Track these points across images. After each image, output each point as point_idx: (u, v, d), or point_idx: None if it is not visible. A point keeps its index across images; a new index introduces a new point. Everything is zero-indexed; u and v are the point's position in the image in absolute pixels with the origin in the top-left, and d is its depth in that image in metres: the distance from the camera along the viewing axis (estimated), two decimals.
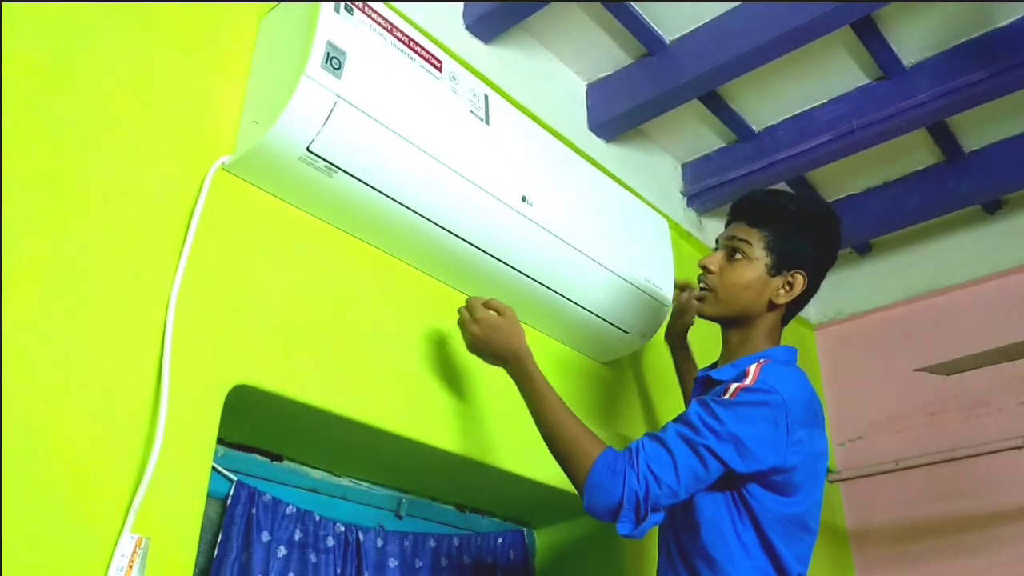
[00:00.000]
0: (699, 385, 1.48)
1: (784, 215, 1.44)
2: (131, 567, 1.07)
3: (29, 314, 1.07)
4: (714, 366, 1.49)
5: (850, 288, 2.92)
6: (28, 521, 1.01)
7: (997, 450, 2.42)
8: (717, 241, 1.50)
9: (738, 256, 1.43)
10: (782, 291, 1.42)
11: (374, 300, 1.53)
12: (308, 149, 1.32)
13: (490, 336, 1.43)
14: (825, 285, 3.03)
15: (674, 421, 1.28)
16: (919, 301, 2.80)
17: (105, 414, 1.11)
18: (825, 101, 2.26)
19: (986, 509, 2.49)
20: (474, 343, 1.45)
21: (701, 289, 1.47)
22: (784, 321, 1.48)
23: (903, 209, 2.56)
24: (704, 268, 1.46)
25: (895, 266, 2.84)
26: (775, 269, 1.42)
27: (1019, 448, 2.41)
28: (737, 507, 1.28)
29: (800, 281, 1.42)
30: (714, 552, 1.27)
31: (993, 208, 2.64)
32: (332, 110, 1.31)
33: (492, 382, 1.71)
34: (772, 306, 1.43)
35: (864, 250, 2.87)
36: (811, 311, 3.01)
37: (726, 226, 1.50)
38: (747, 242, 1.43)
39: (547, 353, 1.86)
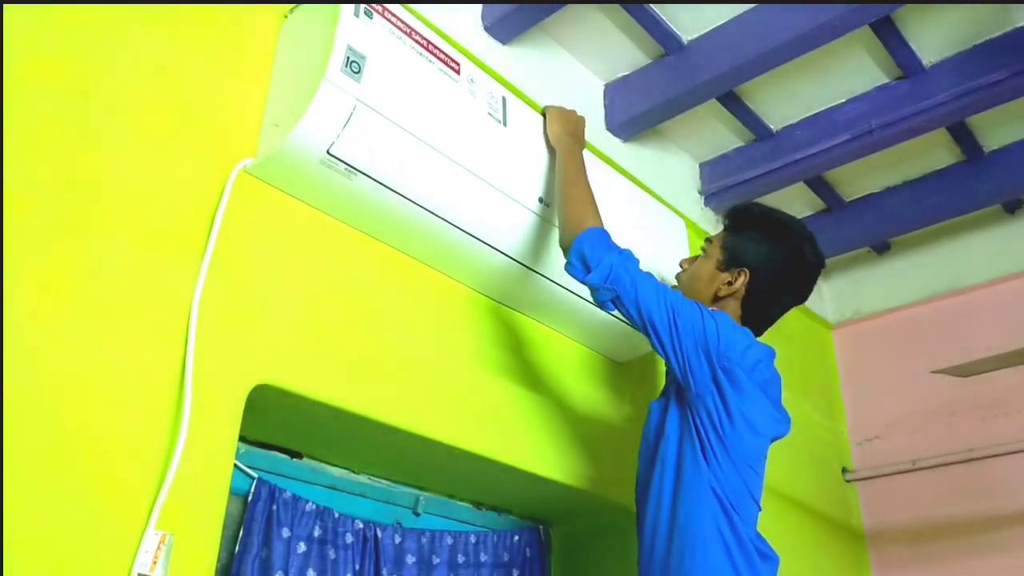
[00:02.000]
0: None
1: (746, 219, 1.64)
2: (155, 563, 1.09)
3: (55, 315, 1.10)
4: None
5: (868, 287, 2.91)
6: (54, 518, 1.03)
7: (1015, 451, 2.41)
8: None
9: (701, 253, 1.64)
10: (724, 285, 1.57)
11: (393, 301, 1.55)
12: (328, 152, 1.34)
13: (580, 124, 1.73)
14: (843, 284, 3.05)
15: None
16: (938, 301, 2.79)
17: (129, 413, 1.14)
18: (844, 101, 2.25)
19: (1003, 510, 2.48)
20: (570, 123, 1.71)
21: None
22: (746, 320, 1.56)
23: (922, 208, 2.55)
24: (680, 265, 1.69)
25: (914, 265, 2.82)
26: (724, 265, 1.59)
27: None
28: None
29: (741, 278, 1.56)
30: None
31: (1013, 207, 2.62)
32: (352, 114, 1.33)
33: (509, 382, 1.72)
34: (716, 298, 1.58)
35: (883, 249, 2.86)
36: (828, 310, 3.00)
37: None
38: (711, 242, 1.64)
39: (565, 352, 1.88)
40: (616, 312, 1.46)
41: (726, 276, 1.57)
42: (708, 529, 1.33)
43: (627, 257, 1.43)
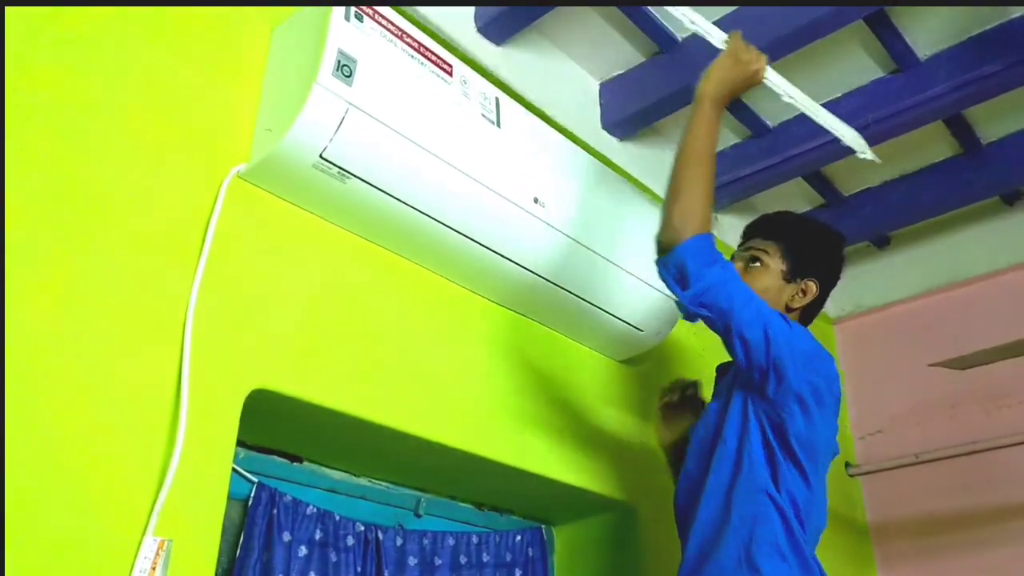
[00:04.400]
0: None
1: (797, 228, 1.58)
2: (154, 569, 1.09)
3: (51, 321, 1.10)
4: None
5: (868, 281, 2.91)
6: (52, 524, 1.04)
7: (1018, 443, 2.40)
8: (732, 257, 1.54)
9: (757, 264, 1.53)
10: (797, 296, 1.52)
11: (391, 303, 1.55)
12: (321, 156, 1.34)
13: (748, 68, 1.48)
14: (844, 279, 3.04)
15: None
16: (938, 294, 2.78)
17: (126, 419, 1.14)
18: (840, 95, 2.25)
19: (1007, 502, 2.48)
20: (737, 65, 1.47)
21: None
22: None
23: (921, 202, 2.54)
24: None
25: (913, 259, 2.82)
26: (790, 275, 1.52)
27: None
28: None
29: (813, 288, 1.52)
30: None
31: (1012, 199, 2.62)
32: (344, 117, 1.33)
33: (508, 382, 1.73)
34: (788, 310, 1.51)
35: (882, 243, 2.85)
36: (829, 305, 2.98)
37: (739, 247, 1.60)
38: (765, 251, 1.53)
39: (564, 352, 1.88)
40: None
41: (794, 287, 1.52)
42: (764, 532, 1.30)
43: (726, 271, 1.36)
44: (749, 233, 1.61)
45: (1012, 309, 2.59)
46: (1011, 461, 2.47)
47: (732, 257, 1.55)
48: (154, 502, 1.12)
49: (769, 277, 1.52)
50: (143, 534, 1.10)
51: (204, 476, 1.19)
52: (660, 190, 2.25)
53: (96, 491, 1.09)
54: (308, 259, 1.44)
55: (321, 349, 1.40)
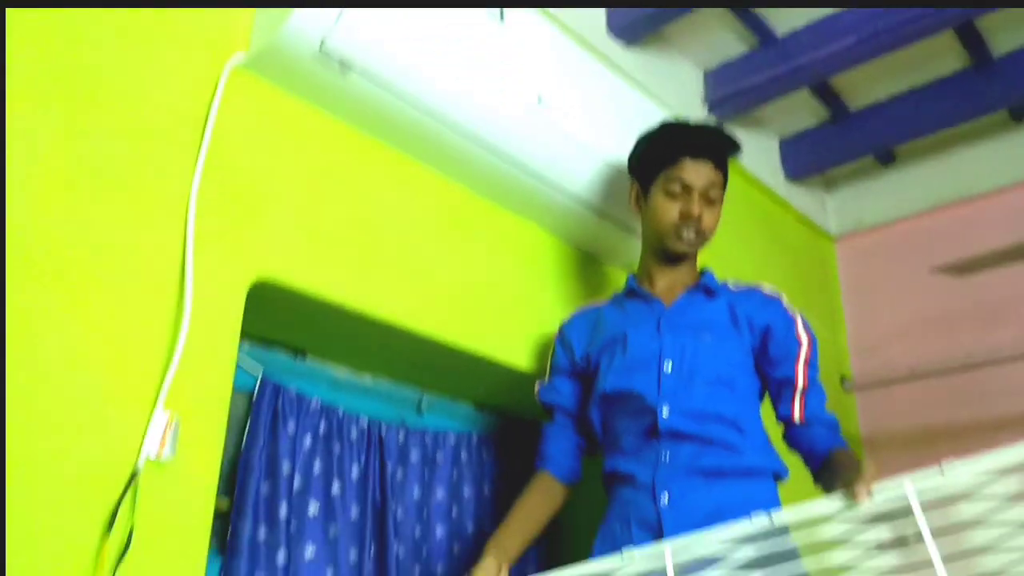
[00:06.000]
0: (686, 302, 1.51)
1: (731, 155, 1.55)
2: (163, 444, 1.13)
3: (57, 204, 1.11)
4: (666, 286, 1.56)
5: (872, 198, 2.90)
6: (61, 401, 1.07)
7: (1013, 358, 2.43)
8: (684, 182, 1.49)
9: (714, 201, 1.52)
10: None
11: (393, 201, 1.56)
12: (321, 47, 1.33)
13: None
14: (847, 195, 3.04)
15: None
16: (942, 211, 2.78)
17: (133, 301, 1.16)
18: (844, 8, 2.20)
19: (999, 416, 2.51)
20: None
21: (691, 231, 1.50)
22: None
23: (928, 115, 2.52)
24: (698, 217, 1.49)
25: (918, 176, 2.81)
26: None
27: None
28: None
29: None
30: None
31: (1020, 115, 2.59)
32: (343, 10, 1.31)
33: (512, 284, 1.74)
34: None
35: (887, 159, 2.83)
36: (831, 222, 2.99)
37: (686, 157, 1.49)
38: (720, 187, 1.52)
39: (568, 258, 1.89)
40: None
41: None
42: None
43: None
44: (701, 152, 1.50)
45: (1015, 227, 2.58)
46: (1005, 376, 2.50)
47: (679, 183, 1.49)
48: (162, 380, 1.15)
49: (719, 212, 1.54)
50: (152, 410, 1.13)
51: (211, 356, 1.22)
52: (668, 100, 2.25)
53: (106, 366, 1.11)
54: (311, 152, 1.44)
55: (323, 242, 1.42)
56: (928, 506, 0.99)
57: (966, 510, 0.95)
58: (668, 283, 1.55)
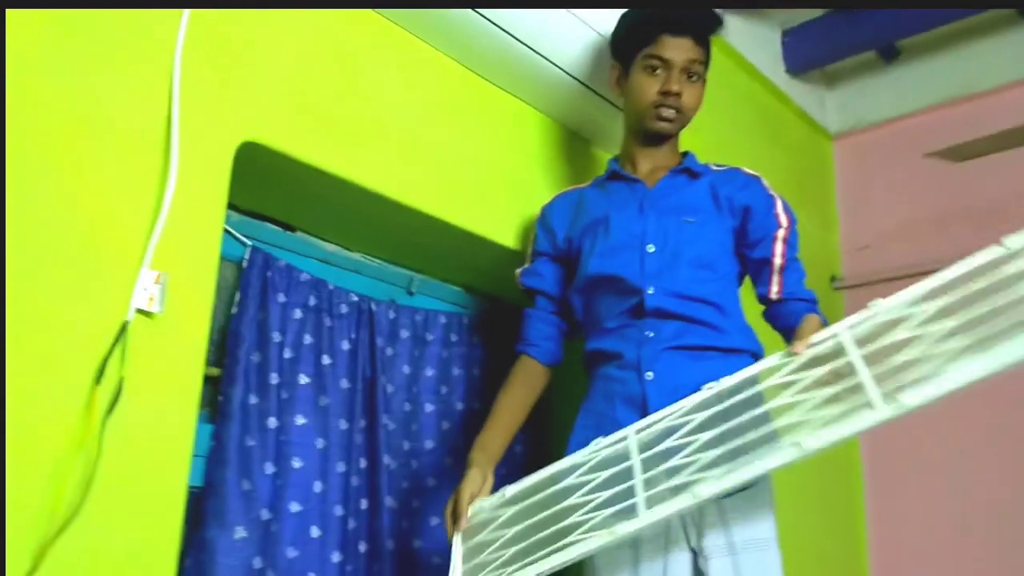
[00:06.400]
0: (670, 184, 1.50)
1: (714, 30, 1.53)
2: (151, 300, 1.12)
3: (42, 65, 1.07)
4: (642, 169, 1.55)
5: (873, 96, 2.85)
6: (52, 252, 1.05)
7: None
8: (663, 59, 1.46)
9: (695, 78, 1.49)
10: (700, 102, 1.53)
11: (385, 70, 1.52)
12: None
13: None
14: (848, 93, 2.98)
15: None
16: (943, 109, 2.73)
17: (120, 160, 1.14)
18: None
19: None
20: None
21: (671, 110, 1.48)
22: None
23: (934, 8, 2.45)
24: (677, 94, 1.47)
25: (920, 73, 2.75)
26: (704, 83, 1.53)
27: None
28: None
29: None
30: None
31: None
32: None
33: (506, 164, 1.72)
34: None
35: (890, 55, 2.77)
36: (830, 120, 2.95)
37: (664, 34, 1.46)
38: (701, 64, 1.49)
39: (565, 141, 1.86)
40: None
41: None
42: None
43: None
44: (683, 30, 1.47)
45: (1016, 124, 2.54)
46: None
47: (659, 59, 1.46)
48: (149, 237, 1.13)
49: (702, 89, 1.52)
50: (139, 267, 1.12)
51: (198, 215, 1.20)
52: None
53: (94, 224, 1.10)
54: (300, 16, 1.39)
55: (313, 107, 1.38)
56: (863, 342, 1.14)
57: (894, 336, 1.10)
58: (650, 165, 1.54)
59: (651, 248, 1.42)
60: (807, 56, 2.71)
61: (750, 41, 2.55)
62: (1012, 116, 2.58)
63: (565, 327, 1.55)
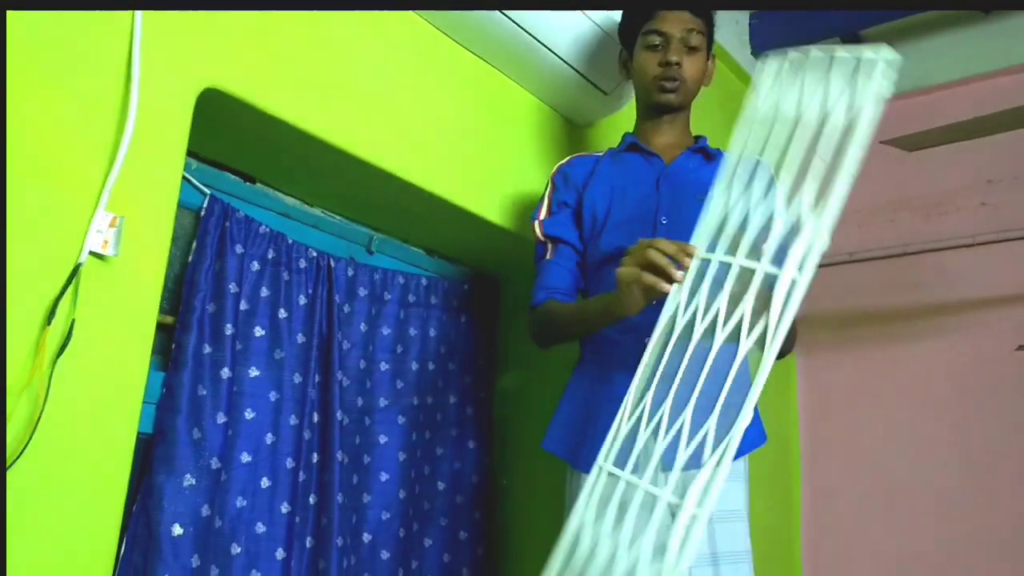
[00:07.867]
0: (685, 164, 1.52)
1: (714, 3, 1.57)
2: (106, 243, 1.10)
3: None
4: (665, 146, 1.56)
5: None
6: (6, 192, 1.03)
7: (949, 247, 2.51)
8: (661, 32, 1.50)
9: (696, 49, 1.52)
10: (708, 76, 1.59)
11: (355, 27, 1.50)
12: None
13: None
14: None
15: None
16: (898, 100, 2.77)
17: (78, 101, 1.11)
18: None
19: (930, 302, 2.62)
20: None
21: (672, 80, 1.51)
22: None
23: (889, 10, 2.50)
24: (677, 64, 1.51)
25: None
26: (708, 55, 1.57)
27: (970, 246, 2.51)
28: None
29: (712, 65, 1.60)
30: None
31: (988, 6, 2.58)
32: None
33: (471, 127, 1.72)
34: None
35: (852, 42, 2.82)
36: None
37: (661, 9, 1.51)
38: (702, 34, 1.53)
39: (528, 108, 1.86)
40: None
41: (708, 66, 1.59)
42: None
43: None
44: (697, 11, 1.52)
45: (966, 118, 2.61)
46: (941, 264, 2.58)
47: (659, 34, 1.50)
48: (105, 180, 1.11)
49: (703, 60, 1.55)
50: (95, 207, 1.10)
51: (156, 160, 1.19)
52: None
53: (49, 164, 1.07)
54: None
55: (279, 56, 1.37)
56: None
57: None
58: (665, 142, 1.57)
59: (664, 220, 1.46)
60: (773, 38, 2.73)
61: (718, 18, 2.56)
62: (964, 110, 2.64)
63: (583, 286, 1.53)
